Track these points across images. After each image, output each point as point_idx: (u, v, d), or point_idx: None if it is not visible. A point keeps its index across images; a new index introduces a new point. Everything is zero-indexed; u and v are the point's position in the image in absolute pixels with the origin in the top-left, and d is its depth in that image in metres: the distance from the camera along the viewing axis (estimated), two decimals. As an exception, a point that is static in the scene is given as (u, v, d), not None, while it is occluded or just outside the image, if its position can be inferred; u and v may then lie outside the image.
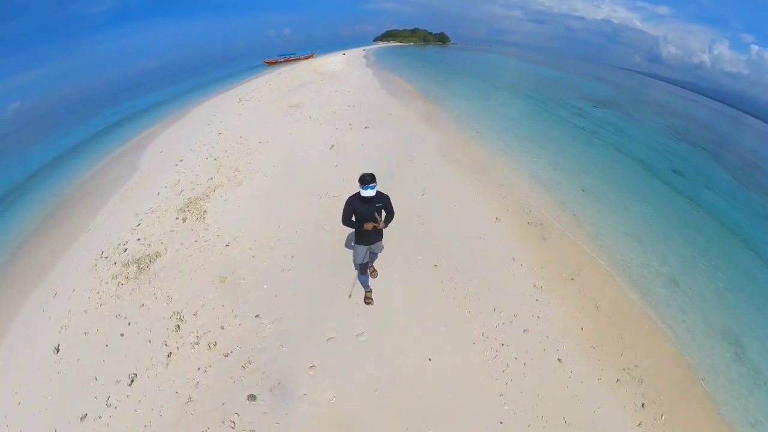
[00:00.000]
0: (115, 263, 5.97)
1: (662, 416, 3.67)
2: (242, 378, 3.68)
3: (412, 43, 63.70)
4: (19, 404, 3.97)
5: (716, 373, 4.41)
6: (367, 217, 3.73)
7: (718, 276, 6.22)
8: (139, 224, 6.99)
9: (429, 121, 12.64)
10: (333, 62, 29.32)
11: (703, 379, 4.24)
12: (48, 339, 4.80)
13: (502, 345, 4.02)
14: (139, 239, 6.49)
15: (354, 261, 4.38)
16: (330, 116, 12.50)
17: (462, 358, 3.87)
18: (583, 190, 8.56)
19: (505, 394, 3.58)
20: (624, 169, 10.98)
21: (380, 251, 4.40)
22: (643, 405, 3.73)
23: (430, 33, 63.49)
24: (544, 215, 6.84)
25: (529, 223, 6.39)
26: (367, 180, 3.51)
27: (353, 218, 3.77)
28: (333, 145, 9.50)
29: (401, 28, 66.24)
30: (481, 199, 6.89)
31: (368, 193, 3.51)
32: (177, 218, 6.81)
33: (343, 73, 23.87)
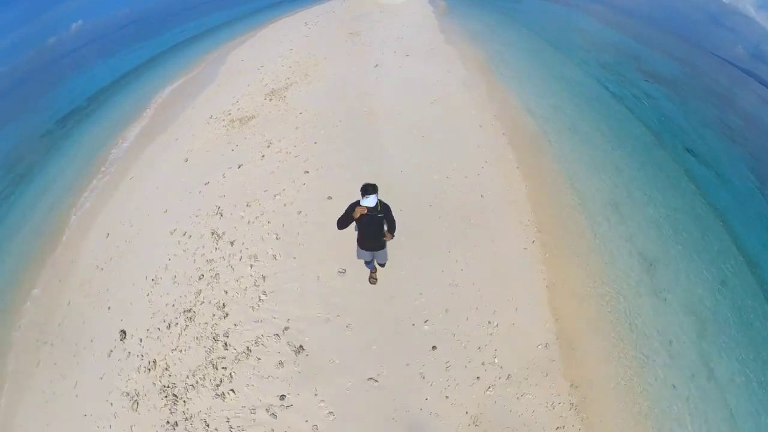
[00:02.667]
0: (223, 120, 9.83)
1: (547, 255, 6.07)
2: (303, 166, 7.41)
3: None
4: (157, 188, 7.94)
5: (616, 266, 6.22)
6: (369, 223, 4.08)
7: (662, 220, 7.79)
8: (237, 101, 10.75)
9: (465, 59, 14.92)
10: (392, -5, 30.58)
11: (602, 274, 6.09)
12: (177, 157, 8.82)
13: (450, 162, 7.31)
14: (239, 109, 10.26)
15: (357, 257, 4.82)
16: (380, 44, 15.23)
17: (421, 158, 7.30)
18: (569, 128, 10.97)
19: (441, 185, 6.90)
20: (629, 129, 11.94)
21: (383, 261, 4.78)
22: (533, 241, 6.62)
23: (509, -28, 59.76)
24: (521, 134, 9.61)
25: (503, 134, 9.25)
26: (368, 190, 3.79)
27: (353, 223, 4.08)
28: (377, 65, 12.49)
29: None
30: (475, 114, 9.77)
31: (368, 202, 3.78)
32: (265, 98, 10.45)
33: (402, 7, 25.57)
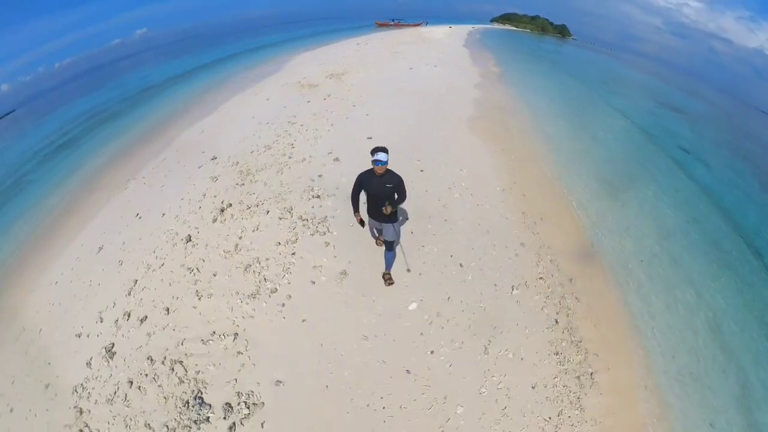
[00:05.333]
0: (294, 85, 14.37)
1: (512, 158, 10.00)
2: (351, 103, 11.25)
3: (528, 30, 67.14)
4: (242, 111, 12.18)
5: (574, 174, 9.33)
6: (376, 192, 4.14)
7: (636, 172, 10.76)
8: (304, 77, 15.45)
9: (484, 74, 19.32)
10: (436, 32, 36.66)
11: (557, 172, 10.26)
12: (260, 99, 13.16)
13: (453, 111, 11.17)
14: (306, 80, 14.89)
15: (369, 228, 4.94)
16: (416, 59, 20.04)
17: (433, 109, 11.16)
18: (559, 116, 14.44)
19: (445, 126, 10.75)
20: (627, 135, 14.28)
21: (390, 238, 4.53)
22: (503, 150, 10.41)
23: (551, 23, 66.72)
24: (511, 109, 13.46)
25: (495, 107, 13.09)
26: (377, 149, 3.91)
27: (360, 193, 4.24)
28: (411, 68, 17.12)
29: (522, 13, 70.25)
30: (478, 94, 13.75)
31: (379, 156, 3.87)
32: (325, 77, 15.06)
33: (440, 41, 31.14)
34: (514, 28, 66.70)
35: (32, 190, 11.32)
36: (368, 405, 3.60)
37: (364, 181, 4.14)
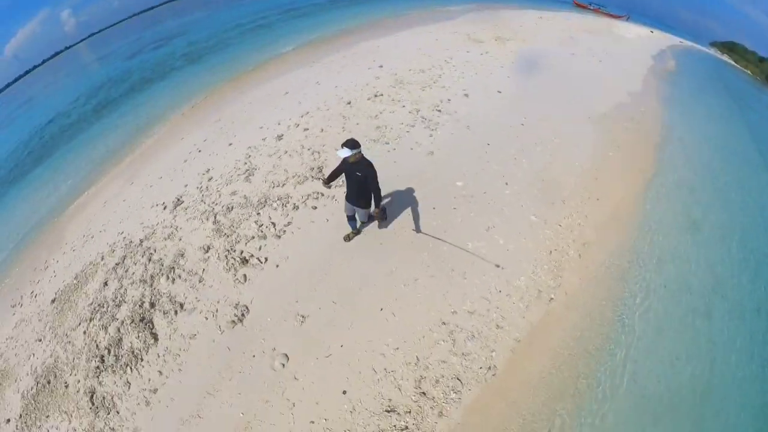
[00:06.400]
0: (462, 36, 16.39)
1: (596, 179, 11.18)
2: (511, 58, 13.19)
3: (748, 72, 55.14)
4: (418, 49, 14.72)
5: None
6: (349, 179, 4.59)
7: None
8: (474, 32, 17.30)
9: (647, 88, 18.14)
10: (632, 31, 32.66)
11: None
12: (429, 39, 15.71)
13: (569, 98, 12.20)
14: (474, 35, 16.73)
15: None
16: (587, 48, 19.76)
17: (560, 95, 12.29)
18: (693, 156, 14.18)
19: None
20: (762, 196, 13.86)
21: (362, 219, 5.21)
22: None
23: (783, 73, 53.45)
24: (645, 133, 13.62)
25: (636, 122, 13.49)
26: (345, 143, 4.12)
27: (339, 174, 4.66)
28: (573, 54, 17.51)
29: (751, 48, 57.44)
30: (618, 103, 14.15)
31: (342, 153, 4.10)
32: (492, 38, 16.69)
33: (628, 41, 28.43)
34: (732, 62, 55.06)
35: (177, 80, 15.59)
36: (349, 284, 5.36)
37: (343, 165, 4.53)
